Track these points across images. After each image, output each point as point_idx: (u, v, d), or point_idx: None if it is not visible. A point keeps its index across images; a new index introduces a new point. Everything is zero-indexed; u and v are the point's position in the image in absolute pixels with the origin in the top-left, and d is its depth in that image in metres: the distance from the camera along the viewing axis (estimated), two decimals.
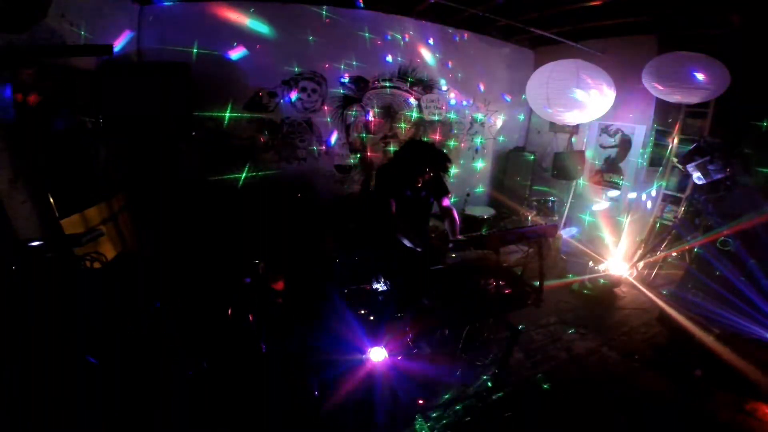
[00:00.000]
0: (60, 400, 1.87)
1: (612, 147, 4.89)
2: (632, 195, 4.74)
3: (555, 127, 5.44)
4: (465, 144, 5.63)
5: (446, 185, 3.11)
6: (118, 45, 3.32)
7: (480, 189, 5.97)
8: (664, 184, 4.53)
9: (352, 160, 4.91)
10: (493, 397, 2.66)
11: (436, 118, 5.25)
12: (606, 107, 3.89)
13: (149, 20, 3.65)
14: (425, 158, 2.85)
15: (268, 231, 3.81)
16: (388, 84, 4.82)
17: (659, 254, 4.39)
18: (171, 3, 3.72)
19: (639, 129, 4.60)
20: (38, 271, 2.04)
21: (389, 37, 4.67)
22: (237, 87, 4.13)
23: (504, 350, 2.81)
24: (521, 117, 6.01)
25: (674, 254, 4.40)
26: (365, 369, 2.68)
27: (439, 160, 2.89)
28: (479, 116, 5.60)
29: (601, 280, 4.33)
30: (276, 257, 3.63)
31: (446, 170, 2.96)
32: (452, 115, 5.37)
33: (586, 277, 4.41)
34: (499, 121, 5.80)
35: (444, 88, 5.18)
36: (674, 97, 3.71)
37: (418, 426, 2.42)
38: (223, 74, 4.02)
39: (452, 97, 5.30)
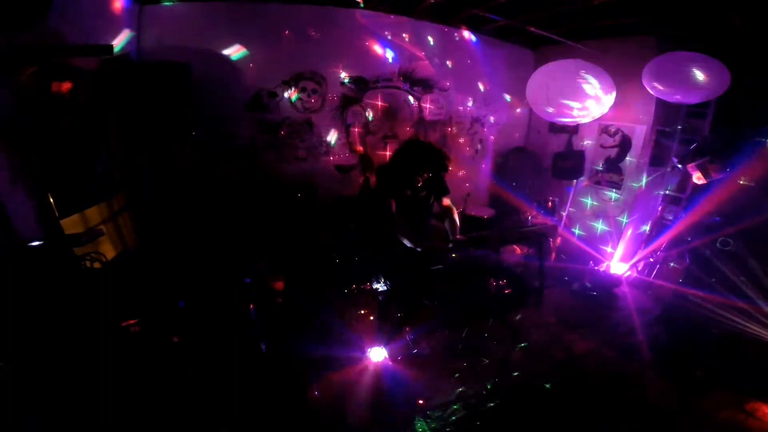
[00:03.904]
0: (59, 400, 1.87)
1: (612, 147, 4.89)
2: (632, 195, 4.74)
3: (555, 127, 5.44)
4: (465, 144, 5.63)
5: (446, 185, 3.11)
6: (119, 45, 3.32)
7: (480, 189, 5.97)
8: (666, 184, 4.53)
9: (352, 160, 4.91)
10: (493, 397, 2.66)
11: (436, 118, 5.25)
12: (606, 108, 3.89)
13: (149, 20, 3.65)
14: (425, 158, 2.86)
15: (268, 231, 3.81)
16: (388, 84, 4.82)
17: (659, 254, 4.39)
18: (171, 3, 3.72)
19: (639, 129, 4.60)
20: (38, 271, 2.04)
21: (389, 37, 4.67)
22: (237, 87, 4.13)
23: (504, 350, 2.81)
24: (521, 117, 6.01)
25: (674, 254, 4.39)
26: (365, 369, 2.68)
27: (439, 159, 2.89)
28: (479, 116, 5.60)
29: (601, 280, 4.33)
30: (276, 257, 3.63)
31: (446, 170, 2.96)
32: (452, 116, 5.37)
33: (586, 276, 4.42)
34: (499, 121, 5.80)
35: (444, 88, 5.18)
36: (674, 97, 3.70)
37: (418, 426, 2.42)
38: (223, 74, 4.02)
39: (452, 97, 5.29)
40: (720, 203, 3.32)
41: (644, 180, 4.65)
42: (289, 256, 3.75)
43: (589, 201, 5.23)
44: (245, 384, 2.44)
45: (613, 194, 4.93)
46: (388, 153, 4.94)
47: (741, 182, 3.31)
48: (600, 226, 5.10)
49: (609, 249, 4.85)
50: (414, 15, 4.61)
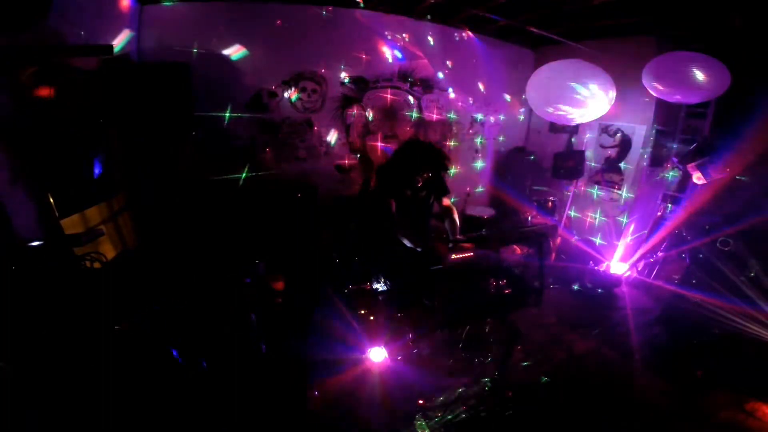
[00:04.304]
0: (59, 400, 1.87)
1: (612, 147, 4.89)
2: (632, 195, 4.74)
3: (555, 127, 5.44)
4: (465, 144, 5.63)
5: (446, 185, 3.11)
6: (119, 45, 3.32)
7: (480, 189, 5.97)
8: (668, 177, 4.53)
9: (352, 160, 4.91)
10: (493, 397, 2.66)
11: (436, 118, 5.25)
12: (606, 107, 3.89)
13: (149, 20, 3.65)
14: (425, 158, 2.86)
15: (268, 231, 3.81)
16: (388, 84, 4.82)
17: (659, 254, 4.39)
18: (171, 3, 3.72)
19: (639, 129, 4.60)
20: (38, 271, 2.04)
21: (389, 37, 4.67)
22: (237, 87, 4.13)
23: (504, 350, 2.81)
24: (521, 117, 6.01)
25: (674, 254, 4.39)
26: (365, 369, 2.68)
27: (439, 159, 2.90)
28: (479, 116, 5.60)
29: (601, 280, 4.33)
30: (276, 257, 3.63)
31: (446, 169, 2.96)
32: (452, 115, 5.37)
33: (586, 276, 4.42)
34: (499, 121, 5.80)
35: (444, 88, 5.18)
36: (674, 97, 3.70)
37: (418, 426, 2.42)
38: (224, 74, 4.02)
39: (452, 97, 5.29)
40: (717, 201, 3.32)
41: (644, 180, 4.65)
42: (289, 256, 3.75)
43: (588, 201, 5.23)
44: (245, 385, 2.43)
45: (613, 194, 4.93)
46: (384, 148, 4.94)
47: (740, 180, 3.31)
48: (600, 226, 5.09)
49: (609, 249, 4.85)
50: (414, 15, 4.61)
